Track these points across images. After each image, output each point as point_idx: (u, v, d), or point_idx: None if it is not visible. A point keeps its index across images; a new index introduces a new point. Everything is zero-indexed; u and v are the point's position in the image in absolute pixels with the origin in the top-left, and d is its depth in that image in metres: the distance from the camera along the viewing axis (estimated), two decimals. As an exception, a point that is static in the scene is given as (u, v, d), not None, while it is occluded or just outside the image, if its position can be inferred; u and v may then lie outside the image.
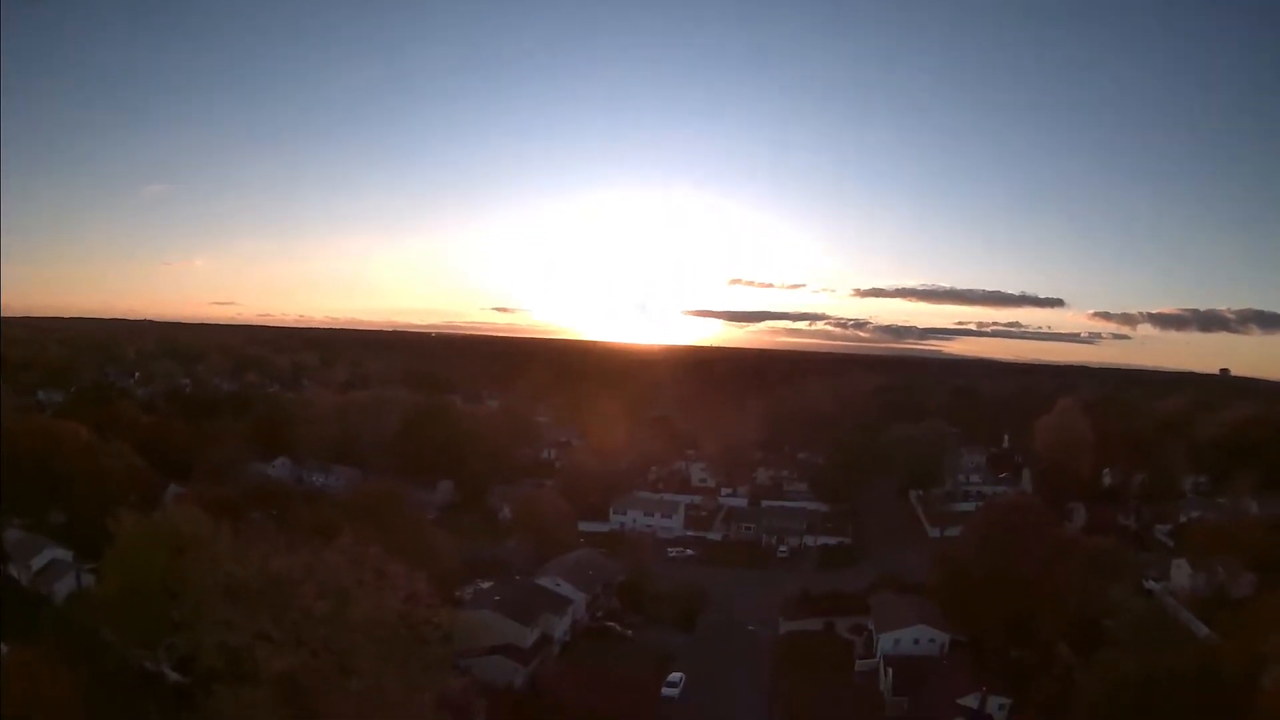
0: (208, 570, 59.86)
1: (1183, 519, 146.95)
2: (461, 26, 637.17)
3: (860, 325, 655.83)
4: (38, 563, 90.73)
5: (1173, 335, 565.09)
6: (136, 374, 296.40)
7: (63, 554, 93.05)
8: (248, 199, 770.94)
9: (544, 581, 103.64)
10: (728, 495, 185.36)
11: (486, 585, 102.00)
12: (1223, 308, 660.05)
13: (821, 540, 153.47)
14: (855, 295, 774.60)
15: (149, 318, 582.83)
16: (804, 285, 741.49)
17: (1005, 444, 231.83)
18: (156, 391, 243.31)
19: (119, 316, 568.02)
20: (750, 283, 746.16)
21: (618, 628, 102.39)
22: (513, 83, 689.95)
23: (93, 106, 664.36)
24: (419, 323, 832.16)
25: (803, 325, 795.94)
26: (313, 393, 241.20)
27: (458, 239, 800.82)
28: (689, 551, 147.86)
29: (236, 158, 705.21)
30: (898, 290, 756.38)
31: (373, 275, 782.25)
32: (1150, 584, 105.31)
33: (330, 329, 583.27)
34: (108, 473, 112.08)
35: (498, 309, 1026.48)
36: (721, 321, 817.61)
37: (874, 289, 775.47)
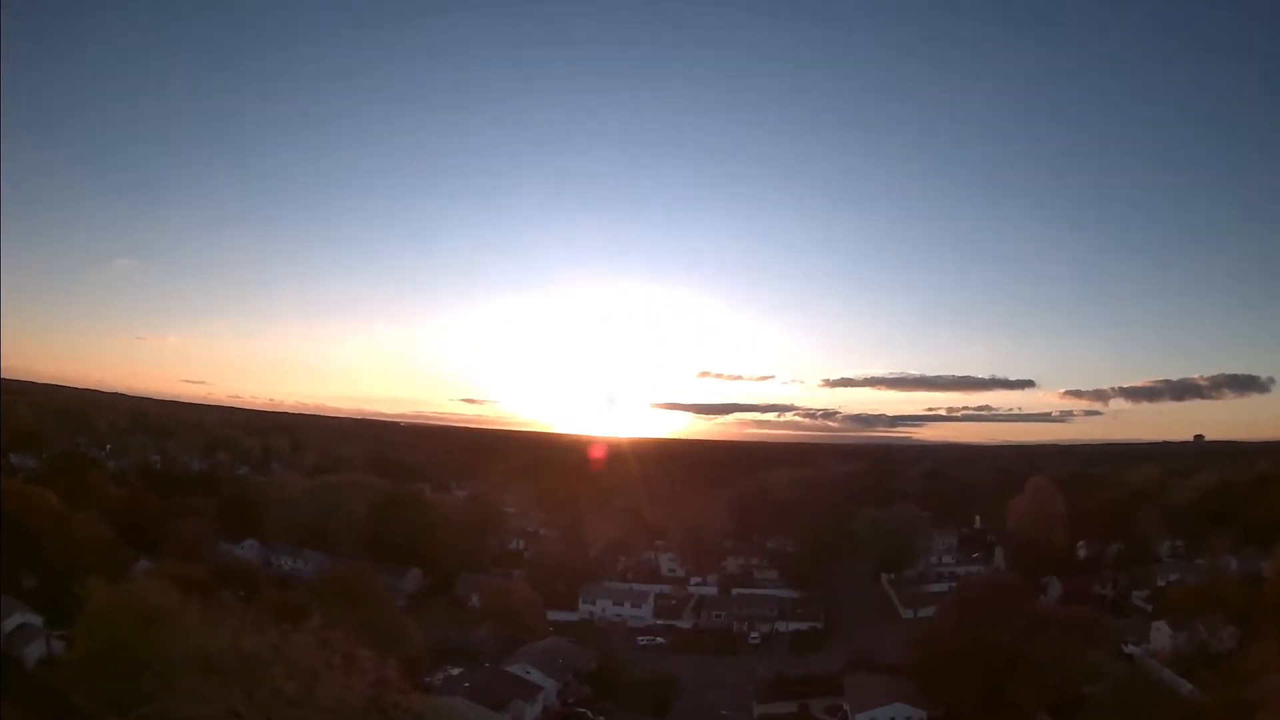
0: (178, 643, 59.02)
1: (1160, 583, 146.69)
2: (429, 114, 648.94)
3: (830, 415, 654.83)
4: (9, 625, 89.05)
5: (1145, 407, 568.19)
6: (109, 446, 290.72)
7: (34, 619, 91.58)
8: (220, 280, 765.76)
9: (514, 669, 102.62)
10: (697, 584, 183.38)
11: (456, 672, 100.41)
12: (1195, 375, 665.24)
13: (793, 626, 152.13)
14: (824, 385, 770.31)
15: (120, 390, 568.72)
16: (772, 377, 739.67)
17: (977, 524, 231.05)
18: (128, 464, 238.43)
19: (91, 386, 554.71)
20: (719, 375, 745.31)
21: (589, 714, 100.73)
22: (482, 175, 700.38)
23: (68, 175, 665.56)
24: (388, 411, 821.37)
25: (771, 416, 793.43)
26: (282, 476, 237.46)
27: (427, 329, 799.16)
28: (659, 640, 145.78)
29: (209, 238, 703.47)
30: (867, 379, 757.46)
31: (342, 362, 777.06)
32: (1130, 648, 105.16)
33: (300, 414, 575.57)
34: (79, 541, 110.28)
35: (466, 399, 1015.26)
36: (690, 414, 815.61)
37: (843, 379, 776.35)
